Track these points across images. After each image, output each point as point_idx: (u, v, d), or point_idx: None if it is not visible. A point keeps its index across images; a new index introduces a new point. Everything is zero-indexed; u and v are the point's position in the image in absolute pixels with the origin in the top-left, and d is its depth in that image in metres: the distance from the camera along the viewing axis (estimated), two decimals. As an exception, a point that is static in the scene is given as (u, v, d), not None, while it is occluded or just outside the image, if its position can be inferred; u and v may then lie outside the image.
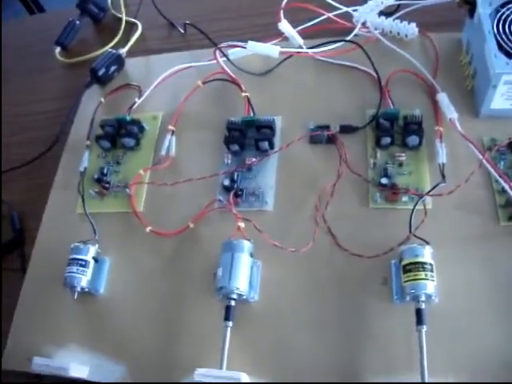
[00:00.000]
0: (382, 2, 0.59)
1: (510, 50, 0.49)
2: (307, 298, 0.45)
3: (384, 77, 0.54)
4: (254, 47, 0.53)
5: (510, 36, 0.50)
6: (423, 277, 0.41)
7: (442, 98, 0.52)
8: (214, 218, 0.50)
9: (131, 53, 0.66)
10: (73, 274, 0.47)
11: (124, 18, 0.69)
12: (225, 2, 0.72)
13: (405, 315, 0.41)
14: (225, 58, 0.57)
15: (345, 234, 0.47)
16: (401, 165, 0.50)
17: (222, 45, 0.56)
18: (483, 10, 0.52)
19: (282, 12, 0.57)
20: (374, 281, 0.44)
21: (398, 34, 0.58)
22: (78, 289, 0.47)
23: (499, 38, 0.50)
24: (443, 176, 0.48)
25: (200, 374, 0.40)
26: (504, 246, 0.45)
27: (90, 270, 0.47)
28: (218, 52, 0.56)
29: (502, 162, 0.49)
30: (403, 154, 0.50)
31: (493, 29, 0.51)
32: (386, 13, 0.60)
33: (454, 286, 0.43)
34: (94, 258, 0.48)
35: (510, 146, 0.50)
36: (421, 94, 0.54)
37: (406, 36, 0.58)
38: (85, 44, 0.72)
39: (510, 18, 0.51)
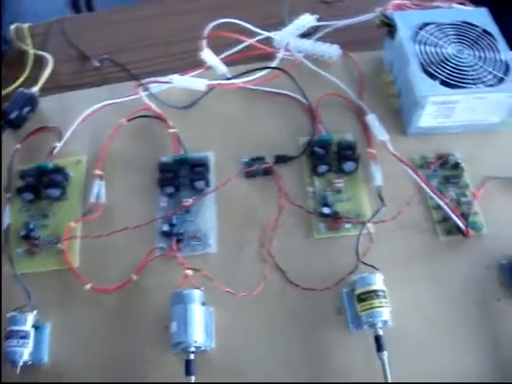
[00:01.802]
0: (304, 26, 0.58)
1: (433, 71, 0.51)
2: (264, 339, 0.44)
3: (312, 101, 0.54)
4: (180, 81, 0.51)
5: (431, 58, 0.52)
6: (378, 305, 0.42)
7: (372, 119, 0.54)
8: (156, 267, 0.47)
9: (44, 90, 0.61)
10: (13, 349, 0.42)
11: (31, 50, 0.63)
12: (140, 30, 0.69)
13: (363, 342, 0.42)
14: (147, 92, 0.54)
15: (294, 268, 0.46)
16: (339, 191, 0.51)
17: (144, 81, 0.54)
18: (403, 33, 0.54)
19: (204, 41, 0.55)
20: (328, 312, 0.44)
21: (322, 55, 0.59)
22: (21, 363, 0.43)
23: (422, 61, 0.52)
24: (382, 199, 0.49)
25: None
26: (445, 259, 0.47)
27: (30, 340, 0.43)
28: (139, 87, 0.53)
29: (435, 179, 0.51)
30: (341, 180, 0.51)
31: (415, 52, 0.52)
32: (307, 34, 0.60)
33: (405, 307, 0.44)
34: (33, 326, 0.44)
35: (439, 162, 0.53)
36: (350, 116, 0.55)
37: (330, 58, 0.58)
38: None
39: (429, 40, 0.53)
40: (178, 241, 0.48)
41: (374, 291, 0.42)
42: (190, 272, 0.45)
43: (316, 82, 0.57)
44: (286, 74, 0.53)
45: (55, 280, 0.48)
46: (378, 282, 0.43)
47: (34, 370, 0.44)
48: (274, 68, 0.55)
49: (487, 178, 0.51)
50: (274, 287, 0.46)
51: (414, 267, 0.47)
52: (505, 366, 0.42)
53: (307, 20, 0.58)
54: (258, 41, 0.59)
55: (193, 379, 0.40)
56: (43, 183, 0.51)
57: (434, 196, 0.48)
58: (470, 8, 0.59)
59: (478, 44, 0.53)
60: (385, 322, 0.42)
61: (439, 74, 0.50)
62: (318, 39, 0.60)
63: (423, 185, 0.49)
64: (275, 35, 0.58)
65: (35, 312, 0.45)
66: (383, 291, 0.42)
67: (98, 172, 0.52)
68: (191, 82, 0.52)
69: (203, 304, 0.43)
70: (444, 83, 0.50)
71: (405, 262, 0.47)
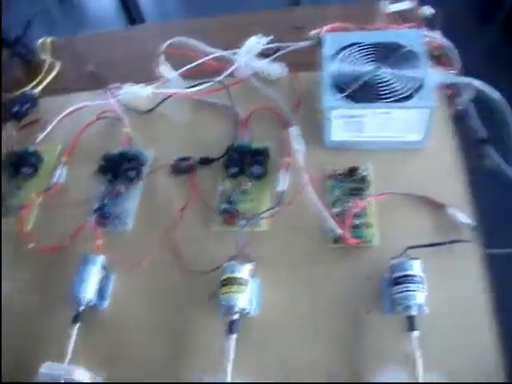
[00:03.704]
0: (255, 47, 0.65)
1: (343, 86, 0.55)
2: (148, 306, 0.52)
3: (246, 113, 0.61)
4: (130, 89, 0.62)
5: (344, 74, 0.56)
6: (235, 290, 0.47)
7: (293, 131, 0.59)
8: (88, 236, 0.57)
9: (48, 91, 0.75)
10: None
11: (48, 60, 0.79)
12: (127, 48, 0.81)
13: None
14: (117, 98, 0.66)
15: (188, 253, 0.54)
16: (245, 192, 0.57)
17: (111, 86, 0.65)
18: (327, 52, 0.58)
19: (162, 56, 0.66)
20: (203, 295, 0.50)
21: (268, 74, 0.65)
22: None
23: (335, 76, 0.56)
24: (279, 202, 0.54)
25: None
26: (328, 266, 0.51)
27: None
28: (109, 93, 0.65)
29: (339, 189, 0.55)
30: (249, 183, 0.57)
31: (330, 68, 0.56)
32: (266, 54, 0.67)
33: (277, 303, 0.49)
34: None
35: (349, 174, 0.56)
36: (278, 128, 0.61)
37: (275, 76, 0.65)
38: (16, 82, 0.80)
39: (347, 58, 0.57)
40: (104, 217, 0.58)
41: (236, 278, 0.47)
42: (100, 241, 0.55)
43: (257, 97, 0.64)
44: (227, 88, 0.61)
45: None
46: (243, 271, 0.48)
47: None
48: (216, 82, 0.63)
49: (383, 193, 0.54)
50: (166, 265, 0.54)
51: (296, 269, 0.52)
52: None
53: (257, 41, 0.65)
54: (216, 57, 0.67)
55: (77, 326, 0.49)
56: (22, 163, 0.64)
57: (317, 205, 0.52)
58: (407, 30, 0.62)
59: (397, 63, 0.56)
60: (242, 310, 0.47)
61: (348, 88, 0.54)
62: (277, 59, 0.67)
63: (311, 194, 0.52)
64: (228, 54, 0.66)
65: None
66: (246, 280, 0.48)
67: (63, 158, 0.64)
68: (138, 90, 0.62)
69: (104, 268, 0.53)
70: (350, 97, 0.54)
71: (288, 263, 0.52)
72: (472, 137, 0.68)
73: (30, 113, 0.72)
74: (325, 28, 0.62)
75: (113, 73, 0.72)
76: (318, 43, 0.61)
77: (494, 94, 0.59)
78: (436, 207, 0.53)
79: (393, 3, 0.72)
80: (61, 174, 0.63)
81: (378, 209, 0.54)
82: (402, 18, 0.71)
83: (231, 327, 0.46)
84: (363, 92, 0.54)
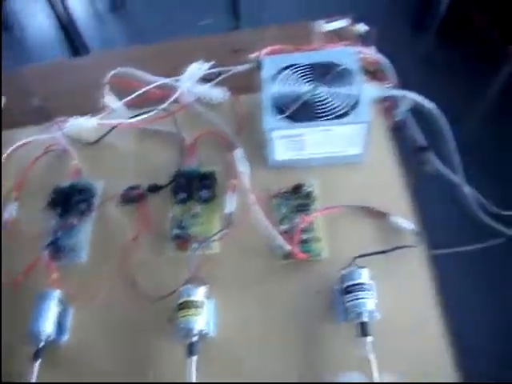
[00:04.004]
0: (196, 73, 0.67)
1: (283, 108, 0.57)
2: (114, 335, 0.53)
3: (192, 138, 0.63)
4: (76, 122, 0.63)
5: (284, 95, 0.58)
6: (192, 313, 0.48)
7: (237, 154, 0.61)
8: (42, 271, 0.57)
9: None
10: None
11: None
12: (72, 79, 0.80)
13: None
14: (63, 130, 0.66)
15: (143, 280, 0.55)
16: (195, 216, 0.58)
17: (58, 120, 0.66)
18: (265, 72, 0.60)
19: (106, 87, 0.66)
20: (161, 320, 0.51)
21: (210, 99, 0.67)
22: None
23: (274, 98, 0.58)
24: (228, 224, 0.55)
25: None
26: (279, 282, 0.53)
27: None
28: (56, 126, 0.66)
29: (285, 207, 0.57)
30: (198, 207, 0.58)
31: (270, 91, 0.59)
32: (208, 79, 0.69)
33: (235, 320, 0.51)
34: None
35: (294, 192, 0.58)
36: (224, 151, 0.63)
37: (217, 100, 0.67)
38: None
39: (287, 80, 0.60)
40: (59, 251, 0.58)
41: (192, 301, 0.49)
42: (55, 276, 0.55)
43: (202, 121, 0.65)
44: (172, 115, 0.63)
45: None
46: (199, 293, 0.50)
47: None
48: (161, 109, 0.64)
49: (328, 207, 0.56)
50: (123, 295, 0.54)
51: (249, 288, 0.53)
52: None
53: (198, 67, 0.67)
54: (160, 85, 0.68)
55: (38, 363, 0.49)
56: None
57: (264, 224, 0.53)
58: (341, 48, 0.65)
59: (334, 81, 0.59)
60: (200, 331, 0.48)
61: (287, 109, 0.56)
62: (219, 83, 0.69)
63: (258, 213, 0.54)
64: (171, 81, 0.68)
65: None
66: (202, 302, 0.49)
67: (14, 194, 0.64)
68: (83, 122, 0.63)
69: (61, 302, 0.53)
70: (290, 118, 0.56)
71: (241, 282, 0.54)
72: (411, 145, 0.71)
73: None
74: (263, 51, 0.64)
75: (59, 104, 0.72)
76: (258, 66, 0.63)
77: (428, 105, 0.62)
78: (379, 216, 0.56)
79: (328, 22, 0.75)
80: (11, 210, 0.63)
81: (325, 223, 0.56)
82: (338, 36, 0.74)
83: (191, 349, 0.48)
84: (302, 112, 0.56)
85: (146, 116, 0.64)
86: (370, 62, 0.68)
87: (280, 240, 0.53)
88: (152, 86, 0.66)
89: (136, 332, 0.52)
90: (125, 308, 0.54)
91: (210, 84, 0.68)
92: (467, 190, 0.74)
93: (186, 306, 0.49)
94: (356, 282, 0.48)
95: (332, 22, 0.75)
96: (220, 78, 0.69)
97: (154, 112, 0.64)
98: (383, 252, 0.52)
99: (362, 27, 0.75)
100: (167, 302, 0.51)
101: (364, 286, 0.48)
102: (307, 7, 1.83)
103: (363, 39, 0.73)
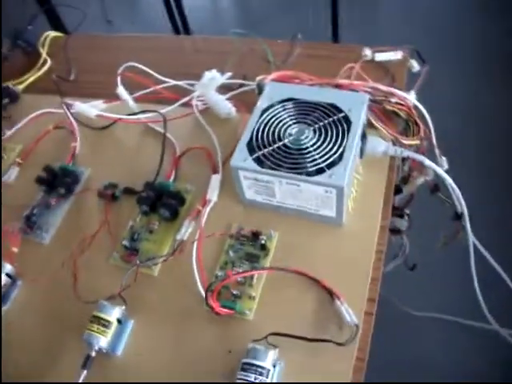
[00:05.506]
0: (211, 81, 0.63)
1: (255, 147, 0.52)
2: (39, 324, 0.54)
3: (181, 149, 0.61)
4: (79, 107, 0.63)
5: (264, 133, 0.53)
6: (96, 330, 0.49)
7: (214, 180, 0.57)
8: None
9: (31, 89, 0.79)
10: None
11: (43, 55, 0.82)
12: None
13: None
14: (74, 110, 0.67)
15: (83, 280, 0.56)
16: (151, 232, 0.57)
17: (67, 100, 0.67)
18: (262, 103, 0.56)
19: (119, 79, 0.66)
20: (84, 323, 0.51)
21: (218, 111, 0.63)
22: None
23: (254, 134, 0.53)
24: (174, 251, 0.53)
25: None
26: (199, 326, 0.51)
27: None
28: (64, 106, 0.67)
29: (236, 252, 0.54)
30: (157, 223, 0.57)
31: (254, 124, 0.54)
32: (229, 88, 0.65)
33: (146, 346, 0.51)
34: None
35: (251, 238, 0.54)
36: (207, 171, 0.60)
37: (224, 114, 0.63)
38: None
39: (276, 115, 0.54)
40: (29, 226, 0.61)
41: (104, 319, 0.49)
42: (15, 250, 0.58)
43: (199, 133, 0.63)
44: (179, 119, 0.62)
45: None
46: (114, 313, 0.50)
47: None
48: (158, 112, 0.62)
49: (272, 267, 0.52)
50: (63, 288, 0.55)
51: (170, 320, 0.52)
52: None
53: (217, 75, 0.63)
54: (171, 86, 0.66)
55: None
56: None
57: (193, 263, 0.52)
58: (352, 93, 0.57)
59: (326, 129, 0.52)
60: (101, 348, 0.49)
61: (259, 151, 0.51)
62: (236, 96, 0.65)
63: (195, 250, 0.53)
64: (184, 84, 0.65)
65: None
66: (110, 322, 0.49)
67: (18, 160, 0.68)
68: (85, 108, 0.64)
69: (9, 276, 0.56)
70: (258, 161, 0.51)
71: (165, 312, 0.53)
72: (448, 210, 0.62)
73: (8, 108, 0.76)
74: (271, 76, 0.58)
75: (91, 79, 0.74)
76: (258, 91, 0.58)
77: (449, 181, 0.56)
78: (327, 295, 0.50)
79: (381, 52, 0.66)
80: (11, 174, 0.67)
81: (267, 283, 0.52)
82: (385, 68, 0.65)
83: (85, 362, 0.48)
84: (274, 157, 0.51)
85: (145, 116, 0.63)
86: (402, 108, 0.59)
87: (200, 288, 0.50)
88: (164, 85, 0.64)
89: (60, 326, 0.53)
90: (59, 300, 0.55)
91: (224, 96, 0.64)
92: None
93: (96, 321, 0.50)
94: (256, 362, 0.44)
95: (385, 51, 0.66)
96: (240, 89, 0.64)
97: (155, 114, 0.63)
98: (306, 339, 0.46)
99: (413, 64, 0.65)
100: (90, 307, 0.51)
101: (261, 370, 0.44)
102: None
103: (411, 78, 0.64)
